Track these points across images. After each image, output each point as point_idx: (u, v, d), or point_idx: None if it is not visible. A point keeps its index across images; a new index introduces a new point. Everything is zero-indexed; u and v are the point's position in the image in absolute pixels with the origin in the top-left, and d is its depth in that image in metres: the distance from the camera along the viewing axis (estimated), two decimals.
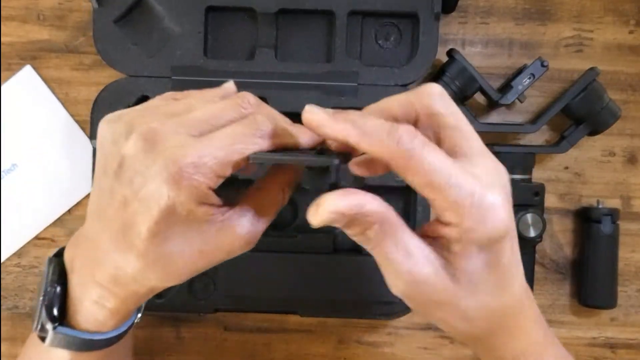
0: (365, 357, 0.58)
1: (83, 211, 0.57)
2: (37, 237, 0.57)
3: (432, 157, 0.30)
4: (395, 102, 0.34)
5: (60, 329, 0.37)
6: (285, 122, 0.36)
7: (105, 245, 0.34)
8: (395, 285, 0.33)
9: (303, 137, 0.36)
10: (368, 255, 0.52)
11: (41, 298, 0.37)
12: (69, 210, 0.57)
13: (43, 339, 0.38)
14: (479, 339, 0.37)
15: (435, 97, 0.33)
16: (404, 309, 0.53)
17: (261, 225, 0.36)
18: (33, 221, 0.57)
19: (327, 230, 0.54)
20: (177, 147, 0.32)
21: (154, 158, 0.32)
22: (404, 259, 0.32)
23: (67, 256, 0.38)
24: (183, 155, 0.31)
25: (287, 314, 0.55)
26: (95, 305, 0.37)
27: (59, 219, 0.57)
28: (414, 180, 0.31)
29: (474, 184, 0.31)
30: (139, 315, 0.43)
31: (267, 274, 0.52)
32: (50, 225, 0.57)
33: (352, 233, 0.33)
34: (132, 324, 0.41)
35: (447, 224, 0.32)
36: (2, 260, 0.57)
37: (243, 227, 0.35)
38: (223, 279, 0.52)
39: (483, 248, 0.32)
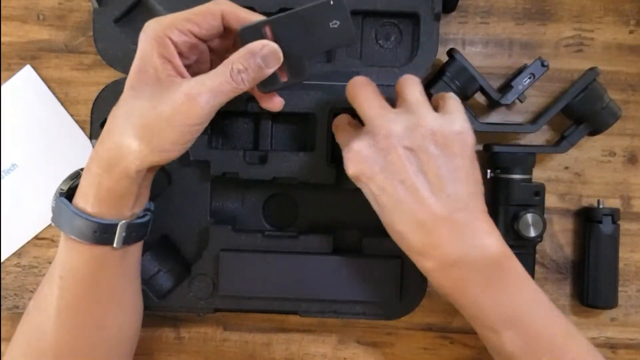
0: (365, 357, 0.58)
1: None
2: (37, 237, 0.57)
3: (364, 95, 0.45)
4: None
5: (62, 199, 0.44)
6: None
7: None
8: None
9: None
10: (368, 255, 0.53)
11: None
12: None
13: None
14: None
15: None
16: (404, 309, 0.53)
17: (209, 90, 0.41)
18: (33, 221, 0.57)
19: (327, 231, 0.54)
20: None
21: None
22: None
23: None
24: (153, 21, 0.42)
25: (287, 314, 0.55)
26: (90, 187, 0.43)
27: None
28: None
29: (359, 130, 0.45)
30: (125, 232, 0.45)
31: (267, 274, 0.52)
32: (50, 225, 0.57)
33: None
34: (130, 231, 0.45)
35: None
36: (2, 260, 0.57)
37: (191, 88, 0.41)
38: (223, 279, 0.52)
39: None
